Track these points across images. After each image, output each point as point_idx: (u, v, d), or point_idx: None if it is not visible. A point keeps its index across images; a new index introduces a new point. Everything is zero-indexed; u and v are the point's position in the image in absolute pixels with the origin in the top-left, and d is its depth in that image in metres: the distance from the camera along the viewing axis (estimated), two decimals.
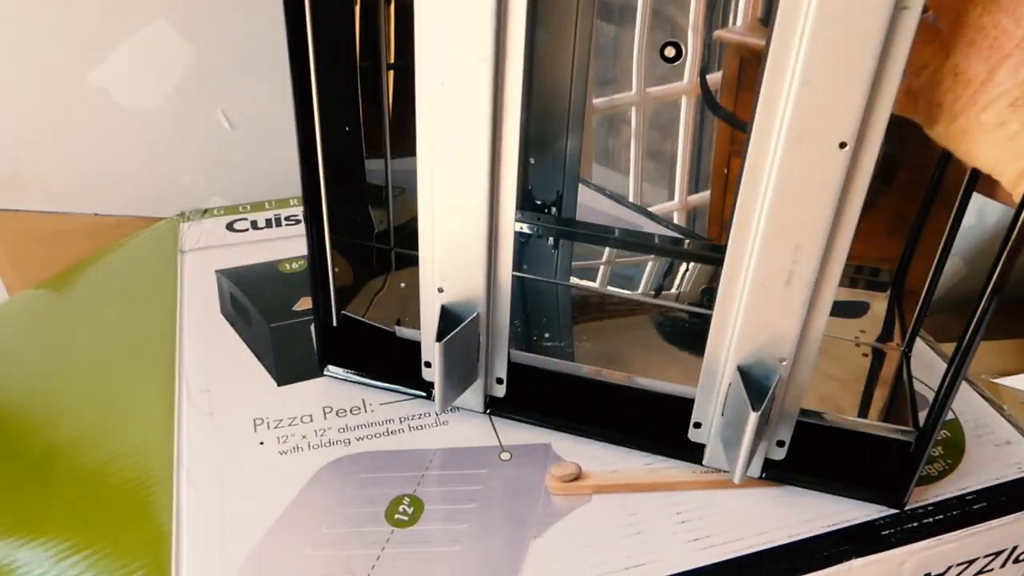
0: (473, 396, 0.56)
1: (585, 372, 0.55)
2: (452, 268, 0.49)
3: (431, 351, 0.53)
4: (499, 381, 0.55)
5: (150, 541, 0.50)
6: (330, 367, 0.60)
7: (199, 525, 0.50)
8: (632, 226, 0.63)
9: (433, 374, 0.51)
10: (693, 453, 0.53)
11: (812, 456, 0.52)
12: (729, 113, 0.54)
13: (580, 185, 0.63)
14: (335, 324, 0.59)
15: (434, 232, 0.48)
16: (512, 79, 0.43)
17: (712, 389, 0.49)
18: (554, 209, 0.65)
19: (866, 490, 0.52)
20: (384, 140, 0.61)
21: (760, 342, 0.45)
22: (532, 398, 0.56)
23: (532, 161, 0.63)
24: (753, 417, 0.43)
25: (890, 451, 0.52)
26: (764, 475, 0.53)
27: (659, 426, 0.54)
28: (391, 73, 0.59)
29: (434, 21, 0.42)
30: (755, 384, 0.46)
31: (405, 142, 0.61)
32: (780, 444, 0.50)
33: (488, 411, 0.57)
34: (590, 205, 0.64)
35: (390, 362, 0.59)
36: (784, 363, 0.46)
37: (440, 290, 0.50)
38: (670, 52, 0.46)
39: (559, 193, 0.64)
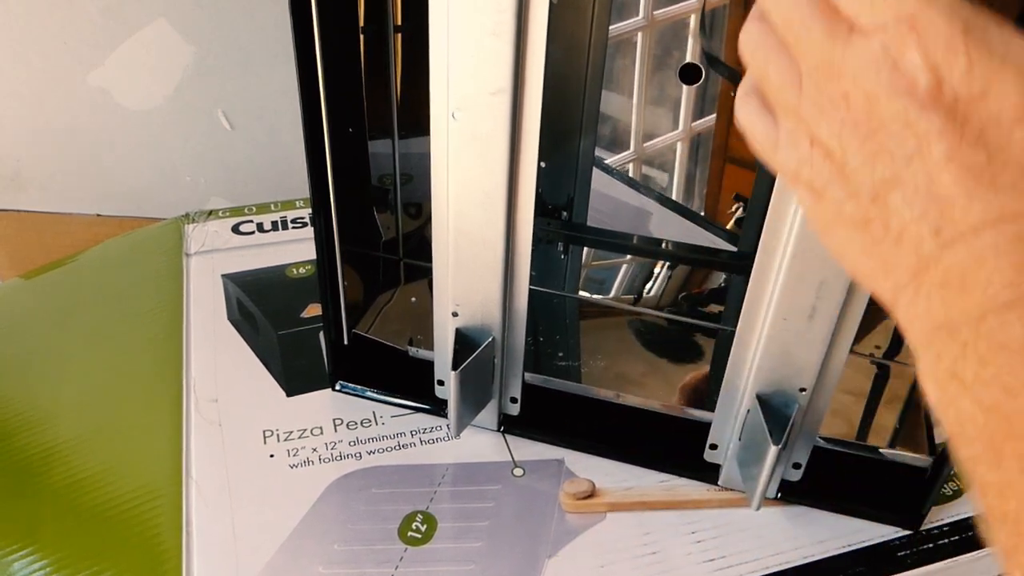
0: (487, 415, 0.55)
1: (600, 395, 0.55)
2: (467, 292, 0.48)
3: (445, 372, 0.52)
4: (513, 400, 0.54)
5: (155, 555, 0.49)
6: (342, 383, 0.60)
7: (211, 540, 0.50)
8: (646, 233, 0.62)
9: (448, 397, 0.51)
10: (708, 473, 0.53)
11: (827, 477, 0.51)
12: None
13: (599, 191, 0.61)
14: (346, 343, 0.58)
15: (448, 257, 0.47)
16: (530, 110, 0.42)
17: (730, 414, 0.49)
18: (564, 213, 0.64)
19: (881, 511, 0.52)
20: (393, 148, 0.60)
21: (781, 372, 0.45)
22: (546, 416, 0.56)
23: (542, 164, 0.62)
24: (773, 451, 0.43)
25: (906, 472, 0.52)
26: (780, 495, 0.52)
27: (674, 446, 0.54)
28: (399, 73, 0.57)
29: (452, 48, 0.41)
30: (774, 413, 0.45)
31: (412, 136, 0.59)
32: (796, 466, 0.50)
33: (502, 429, 0.57)
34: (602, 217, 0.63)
35: (402, 378, 0.58)
36: (804, 393, 0.45)
37: (455, 314, 0.49)
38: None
39: (570, 196, 0.63)
